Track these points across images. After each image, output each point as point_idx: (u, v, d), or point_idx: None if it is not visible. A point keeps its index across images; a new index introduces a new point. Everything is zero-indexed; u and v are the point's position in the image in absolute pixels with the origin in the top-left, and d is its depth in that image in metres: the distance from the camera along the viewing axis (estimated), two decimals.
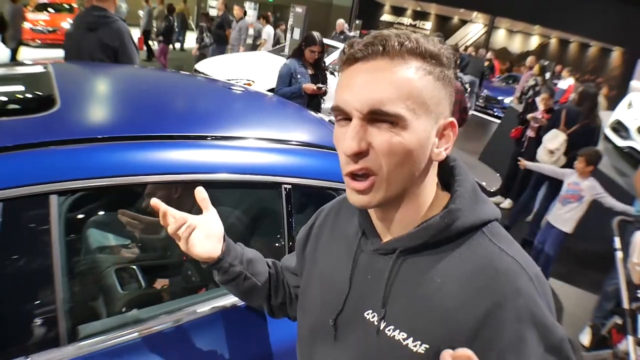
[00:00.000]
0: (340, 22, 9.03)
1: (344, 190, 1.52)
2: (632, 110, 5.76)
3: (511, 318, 0.63)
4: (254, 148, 1.42)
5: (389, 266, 0.73)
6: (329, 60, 7.46)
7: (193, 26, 13.77)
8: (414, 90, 0.64)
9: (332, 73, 7.43)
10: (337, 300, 0.79)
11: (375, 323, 0.73)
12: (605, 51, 20.10)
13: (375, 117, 0.65)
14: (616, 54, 19.17)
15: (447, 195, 0.75)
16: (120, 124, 1.32)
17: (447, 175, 0.77)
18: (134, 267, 1.64)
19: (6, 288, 1.00)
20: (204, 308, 1.28)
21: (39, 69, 1.81)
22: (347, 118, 0.68)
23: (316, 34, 4.14)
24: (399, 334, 0.70)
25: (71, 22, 3.88)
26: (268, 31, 9.70)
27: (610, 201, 3.53)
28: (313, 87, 4.04)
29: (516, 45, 25.48)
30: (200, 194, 0.96)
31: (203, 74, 6.59)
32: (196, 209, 1.69)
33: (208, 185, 1.39)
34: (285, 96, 4.04)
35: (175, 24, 11.26)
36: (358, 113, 0.65)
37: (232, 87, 2.23)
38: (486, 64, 12.15)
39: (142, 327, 1.16)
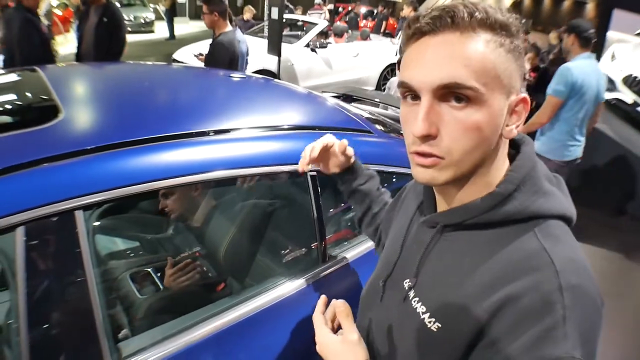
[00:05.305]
0: None
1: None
2: (615, 62, 5.75)
3: (517, 316, 0.57)
4: (284, 137, 1.40)
5: (428, 239, 0.73)
6: (307, 38, 7.32)
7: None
8: (487, 63, 0.61)
9: (313, 50, 7.32)
10: (388, 265, 0.82)
11: (406, 290, 0.74)
12: (579, 4, 20.08)
13: (448, 92, 0.61)
14: (590, 7, 19.15)
15: None
16: (137, 126, 1.25)
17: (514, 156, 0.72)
18: (149, 270, 1.59)
19: (46, 312, 0.94)
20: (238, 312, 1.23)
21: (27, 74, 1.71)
22: (415, 96, 0.64)
23: None
24: (420, 306, 0.70)
25: None
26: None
27: None
28: None
29: (489, 4, 25.33)
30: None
31: (181, 62, 6.41)
32: (208, 207, 1.64)
33: (237, 180, 1.36)
34: None
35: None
36: (428, 90, 0.62)
37: (233, 76, 2.14)
38: None
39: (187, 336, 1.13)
